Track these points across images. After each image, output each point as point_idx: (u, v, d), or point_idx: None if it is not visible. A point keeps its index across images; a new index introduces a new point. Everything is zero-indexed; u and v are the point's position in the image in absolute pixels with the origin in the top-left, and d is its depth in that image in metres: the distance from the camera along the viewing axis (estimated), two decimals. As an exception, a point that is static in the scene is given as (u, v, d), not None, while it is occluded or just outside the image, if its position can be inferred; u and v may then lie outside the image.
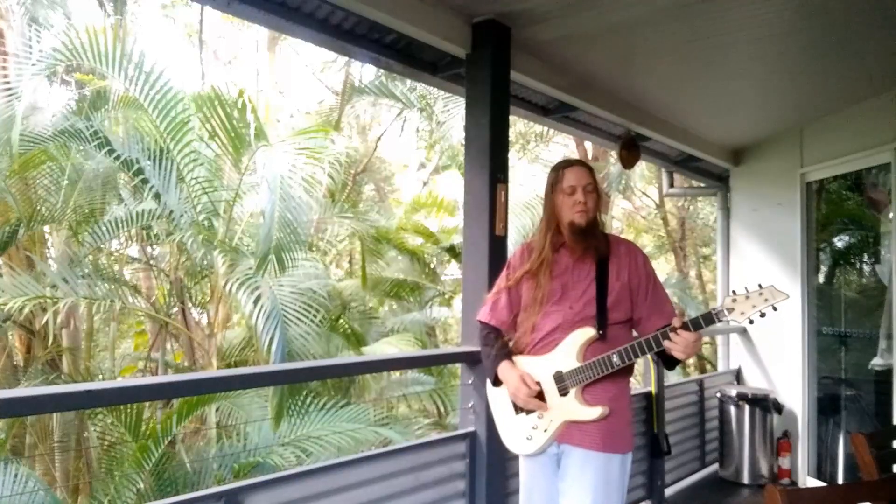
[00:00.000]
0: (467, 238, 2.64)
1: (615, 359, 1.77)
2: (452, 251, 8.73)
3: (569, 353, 1.82)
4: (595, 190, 1.92)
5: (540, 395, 1.83)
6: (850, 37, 2.81)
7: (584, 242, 1.88)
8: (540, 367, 1.86)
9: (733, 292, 1.65)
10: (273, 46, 11.69)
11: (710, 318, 1.65)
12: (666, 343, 1.71)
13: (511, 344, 1.99)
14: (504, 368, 1.93)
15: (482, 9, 2.48)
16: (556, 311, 1.88)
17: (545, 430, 1.83)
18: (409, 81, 7.68)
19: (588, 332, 1.82)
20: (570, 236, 1.90)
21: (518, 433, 1.89)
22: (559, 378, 1.82)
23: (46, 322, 5.94)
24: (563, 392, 1.80)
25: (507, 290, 2.01)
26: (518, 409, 1.88)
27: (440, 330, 10.37)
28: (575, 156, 12.17)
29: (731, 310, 1.63)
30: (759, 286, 1.61)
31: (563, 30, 2.64)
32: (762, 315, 1.59)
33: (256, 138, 6.02)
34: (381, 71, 7.67)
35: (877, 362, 3.79)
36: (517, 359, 1.93)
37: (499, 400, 1.94)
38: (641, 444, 3.44)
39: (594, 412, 1.78)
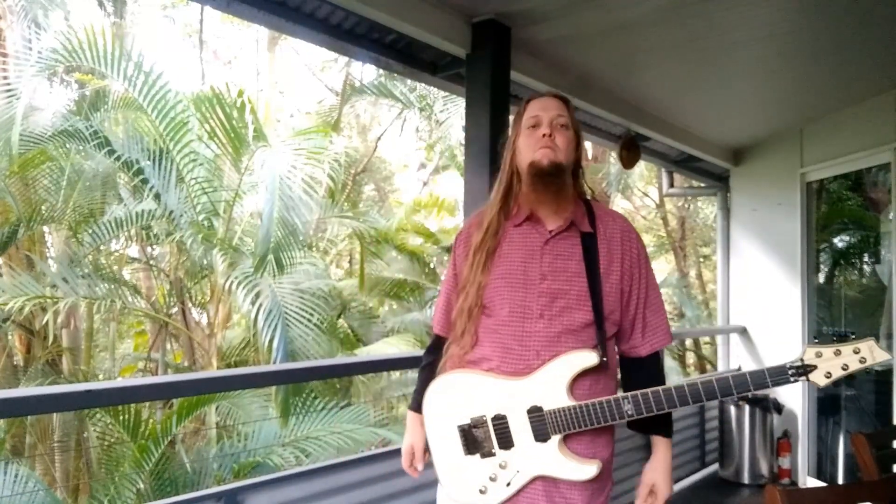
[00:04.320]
0: (467, 238, 2.63)
1: (628, 408, 1.25)
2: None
3: (556, 382, 1.28)
4: (571, 128, 1.39)
5: (504, 434, 1.31)
6: (850, 37, 2.81)
7: (548, 192, 1.35)
8: (506, 395, 1.31)
9: (816, 341, 1.22)
10: (273, 46, 11.69)
11: (782, 377, 1.18)
12: None
13: (445, 362, 1.44)
14: (409, 422, 1.51)
15: (482, 9, 2.48)
16: (519, 315, 1.33)
17: (508, 485, 1.30)
18: (408, 81, 7.68)
19: (588, 359, 1.28)
20: (529, 184, 1.36)
21: (469, 480, 1.34)
22: (538, 418, 1.28)
23: (46, 322, 5.94)
24: (542, 438, 1.28)
25: (447, 289, 1.50)
26: (471, 448, 1.33)
27: (440, 330, 10.35)
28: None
29: (812, 368, 1.17)
30: (852, 336, 1.23)
31: (563, 30, 2.64)
32: (850, 377, 1.21)
33: (255, 139, 6.03)
34: (381, 71, 7.68)
35: (877, 362, 3.78)
36: (468, 375, 1.36)
37: (441, 429, 1.37)
38: (642, 444, 3.44)
39: (587, 470, 1.27)
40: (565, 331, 1.31)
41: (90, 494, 5.37)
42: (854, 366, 1.14)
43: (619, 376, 1.44)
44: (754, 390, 1.19)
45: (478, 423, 1.33)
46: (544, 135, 1.34)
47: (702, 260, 12.46)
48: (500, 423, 1.31)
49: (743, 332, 4.62)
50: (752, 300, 4.60)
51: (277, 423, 5.37)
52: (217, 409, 5.88)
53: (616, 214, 1.47)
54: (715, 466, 4.17)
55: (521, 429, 1.30)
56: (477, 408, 1.34)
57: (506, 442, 1.31)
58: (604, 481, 1.35)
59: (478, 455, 1.33)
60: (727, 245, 4.85)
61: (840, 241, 4.64)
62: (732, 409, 4.02)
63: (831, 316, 4.31)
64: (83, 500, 5.94)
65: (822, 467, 4.10)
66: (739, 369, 4.59)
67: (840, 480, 4.00)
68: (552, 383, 1.29)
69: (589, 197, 1.46)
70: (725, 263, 4.86)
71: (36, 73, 5.53)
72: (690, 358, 11.69)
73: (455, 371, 1.39)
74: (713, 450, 4.20)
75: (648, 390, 1.25)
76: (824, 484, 3.89)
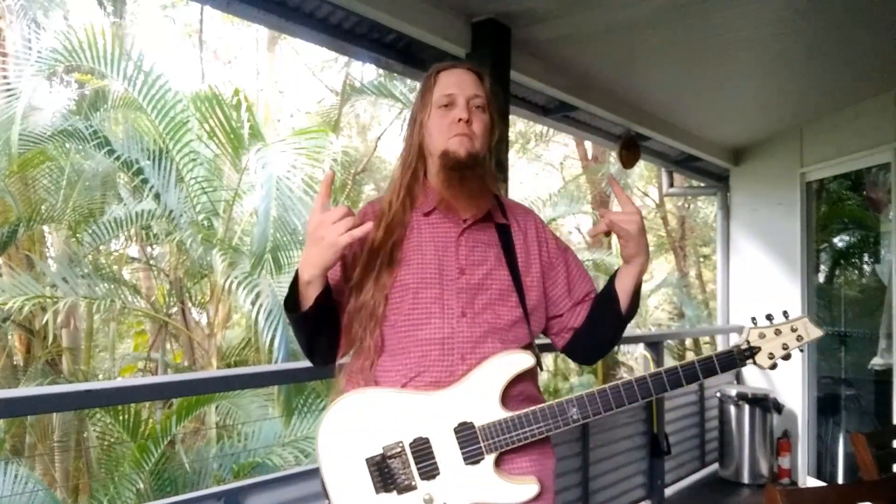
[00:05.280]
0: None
1: (573, 412, 1.11)
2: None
3: (486, 391, 1.11)
4: (487, 110, 1.24)
5: (426, 461, 1.09)
6: (850, 36, 2.81)
7: (464, 185, 1.17)
8: (427, 412, 1.11)
9: (754, 322, 1.18)
10: (273, 46, 11.69)
11: (731, 362, 1.16)
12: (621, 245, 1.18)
13: (343, 375, 1.22)
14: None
15: (482, 9, 2.48)
16: (437, 315, 1.15)
17: None
18: (408, 81, 7.68)
19: (523, 361, 1.13)
20: (442, 175, 1.18)
21: None
22: (468, 436, 1.10)
23: (46, 322, 5.94)
24: (474, 459, 1.09)
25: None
26: (386, 484, 1.09)
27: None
28: (575, 156, 12.19)
29: (756, 350, 1.16)
30: (786, 317, 1.16)
31: (563, 30, 2.64)
32: (787, 358, 1.16)
33: (252, 138, 6.03)
34: (381, 71, 7.68)
35: (877, 362, 3.79)
36: (375, 393, 1.14)
37: (343, 466, 1.11)
38: (641, 443, 3.44)
39: (525, 491, 1.11)
40: (491, 330, 1.16)
41: (90, 494, 5.37)
42: (792, 344, 1.14)
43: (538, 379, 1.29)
44: (704, 377, 1.15)
45: (392, 452, 1.09)
46: (460, 119, 1.18)
47: (702, 260, 12.48)
48: (422, 447, 1.09)
49: (743, 332, 4.62)
50: (752, 300, 4.60)
51: (277, 423, 5.37)
52: (217, 408, 5.88)
53: (525, 207, 1.36)
54: (715, 466, 4.18)
55: (447, 452, 1.09)
56: (390, 433, 1.10)
57: (429, 470, 1.09)
58: (546, 497, 1.16)
59: (394, 492, 1.08)
60: (727, 245, 4.85)
61: (840, 241, 4.65)
62: (732, 409, 4.02)
63: (831, 316, 4.31)
64: (83, 500, 5.94)
65: (822, 467, 4.10)
66: (739, 370, 4.59)
67: (840, 480, 4.00)
68: (482, 392, 1.11)
69: (494, 187, 1.29)
70: (725, 263, 4.86)
71: (36, 73, 5.53)
72: (690, 358, 11.69)
73: (357, 391, 1.14)
74: (713, 449, 4.20)
75: (595, 390, 1.12)
76: (824, 484, 3.89)
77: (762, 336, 1.15)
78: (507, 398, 1.13)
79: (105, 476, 5.12)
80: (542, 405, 1.11)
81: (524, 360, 1.13)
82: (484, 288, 1.18)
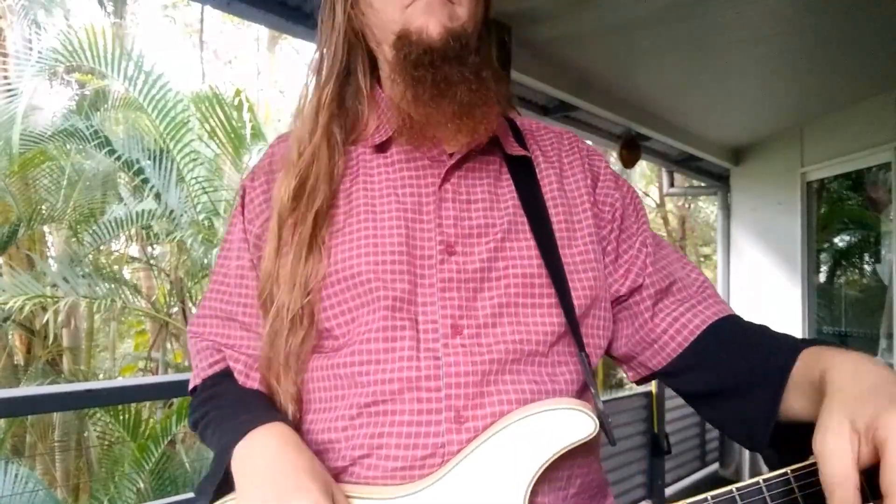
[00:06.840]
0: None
1: None
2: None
3: (509, 482, 0.56)
4: None
5: None
6: (851, 36, 2.81)
7: (446, 93, 0.62)
8: None
9: None
10: (273, 46, 11.70)
11: None
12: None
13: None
14: (262, 441, 0.59)
15: (482, 8, 2.48)
16: (407, 336, 0.61)
17: None
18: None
19: (578, 429, 0.58)
20: (401, 77, 0.64)
21: None
22: None
23: (47, 321, 5.95)
24: None
25: (230, 291, 0.72)
26: None
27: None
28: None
29: None
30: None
31: (563, 30, 2.64)
32: None
33: (253, 138, 6.04)
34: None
35: (877, 362, 3.79)
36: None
37: None
38: (642, 443, 3.44)
39: None
40: (513, 357, 0.62)
41: (90, 494, 5.38)
42: None
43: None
44: None
45: None
46: None
47: (702, 259, 12.47)
48: None
49: (743, 331, 4.62)
50: (753, 300, 4.60)
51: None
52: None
53: (559, 129, 0.78)
54: (715, 466, 4.18)
55: None
56: None
57: None
58: None
59: None
60: (727, 245, 4.85)
61: (840, 241, 4.64)
62: (733, 409, 4.02)
63: (832, 315, 4.31)
64: (83, 500, 5.95)
65: (823, 467, 4.09)
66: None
67: (840, 480, 4.00)
68: (498, 485, 0.56)
69: (503, 95, 0.70)
70: (726, 263, 4.86)
71: (36, 73, 5.54)
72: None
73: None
74: (713, 449, 4.20)
75: (733, 487, 0.51)
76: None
77: None
78: (542, 490, 0.60)
79: (105, 476, 5.12)
80: None
81: (579, 428, 0.58)
82: (493, 277, 0.64)
